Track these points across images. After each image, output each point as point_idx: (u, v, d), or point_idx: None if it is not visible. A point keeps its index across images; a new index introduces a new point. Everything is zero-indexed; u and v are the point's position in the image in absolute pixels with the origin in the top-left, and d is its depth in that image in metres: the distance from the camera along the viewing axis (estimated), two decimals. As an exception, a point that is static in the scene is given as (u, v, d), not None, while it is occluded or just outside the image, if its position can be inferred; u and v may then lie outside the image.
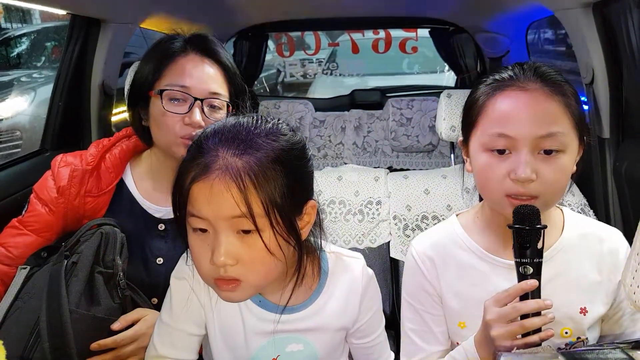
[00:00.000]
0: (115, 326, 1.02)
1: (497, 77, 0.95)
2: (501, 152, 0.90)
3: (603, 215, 1.50)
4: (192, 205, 0.76)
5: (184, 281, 0.92)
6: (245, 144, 0.76)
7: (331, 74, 5.16)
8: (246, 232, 0.76)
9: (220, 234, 0.75)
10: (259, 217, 0.74)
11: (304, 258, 0.86)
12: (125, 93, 1.42)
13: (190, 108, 1.11)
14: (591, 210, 1.47)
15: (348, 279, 0.95)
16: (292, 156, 0.80)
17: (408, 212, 1.52)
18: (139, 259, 1.15)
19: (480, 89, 0.97)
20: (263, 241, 0.76)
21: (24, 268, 1.05)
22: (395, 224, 1.52)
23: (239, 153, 0.75)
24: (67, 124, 1.72)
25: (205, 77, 1.13)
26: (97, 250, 1.03)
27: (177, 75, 1.12)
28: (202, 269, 0.79)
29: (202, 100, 1.12)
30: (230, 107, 1.17)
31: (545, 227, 0.84)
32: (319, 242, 0.93)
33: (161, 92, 1.11)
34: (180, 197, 0.78)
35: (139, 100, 1.15)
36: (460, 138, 1.03)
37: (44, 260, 1.06)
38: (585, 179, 1.54)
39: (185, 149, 1.10)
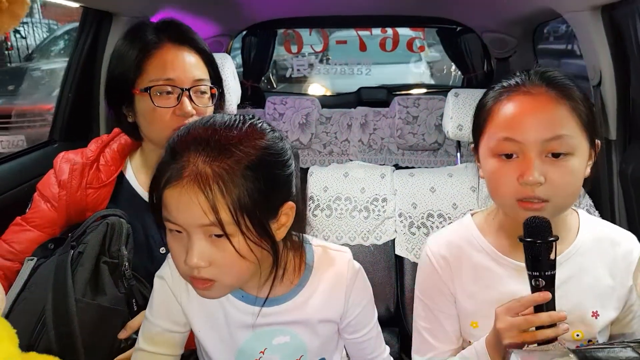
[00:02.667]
0: (122, 335, 1.03)
1: (504, 83, 0.96)
2: (509, 156, 0.91)
3: (609, 216, 1.51)
4: (166, 210, 0.77)
5: (163, 280, 0.94)
6: (217, 150, 0.75)
7: (327, 62, 5.34)
8: (218, 235, 0.76)
9: (193, 237, 0.76)
10: (228, 225, 0.74)
11: (280, 257, 0.85)
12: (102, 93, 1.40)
13: (179, 99, 1.12)
14: (597, 212, 1.48)
15: (333, 272, 0.95)
16: (267, 161, 0.78)
17: (414, 210, 1.53)
18: (144, 249, 1.16)
19: (488, 95, 0.98)
20: (233, 246, 0.76)
21: (31, 259, 1.06)
22: (401, 222, 1.53)
23: (209, 160, 0.74)
24: (76, 116, 1.73)
25: (187, 65, 1.14)
26: (103, 241, 1.04)
27: (159, 68, 1.12)
28: (179, 267, 0.81)
29: (189, 90, 1.13)
30: (214, 90, 1.19)
31: (557, 238, 0.84)
32: (302, 237, 0.93)
33: (148, 89, 1.11)
34: (155, 200, 0.79)
35: (123, 99, 1.15)
36: (472, 145, 1.04)
37: (51, 252, 1.07)
38: (591, 181, 1.55)
39: None
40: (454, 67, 4.21)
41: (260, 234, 0.78)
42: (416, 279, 1.10)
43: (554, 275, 0.84)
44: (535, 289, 0.84)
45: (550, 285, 0.83)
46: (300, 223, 0.89)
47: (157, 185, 0.77)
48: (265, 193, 0.77)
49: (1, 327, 0.63)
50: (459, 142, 1.96)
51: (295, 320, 0.92)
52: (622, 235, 1.03)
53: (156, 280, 0.95)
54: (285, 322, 0.92)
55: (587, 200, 1.49)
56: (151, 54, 1.12)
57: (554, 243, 0.83)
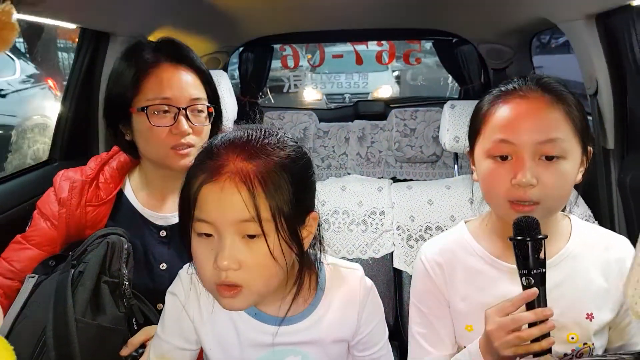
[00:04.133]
0: (124, 352, 1.03)
1: (501, 88, 0.99)
2: (503, 158, 0.93)
3: (608, 226, 1.50)
4: (200, 209, 0.77)
5: (175, 297, 0.93)
6: (255, 150, 0.78)
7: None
8: (251, 237, 0.77)
9: (226, 238, 0.76)
10: (266, 222, 0.76)
11: (304, 268, 0.87)
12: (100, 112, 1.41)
13: (176, 118, 1.12)
14: (596, 222, 1.47)
15: (345, 291, 0.95)
16: (299, 165, 0.82)
17: (412, 223, 1.53)
18: (143, 265, 1.16)
19: (484, 100, 1.01)
20: (268, 245, 0.77)
21: (32, 277, 1.06)
22: (399, 235, 1.52)
23: (248, 158, 0.77)
24: (76, 135, 1.74)
25: (183, 84, 1.15)
26: (103, 260, 1.04)
27: (156, 87, 1.13)
28: (205, 273, 0.80)
29: (185, 109, 1.14)
30: (211, 109, 1.20)
31: (546, 237, 0.85)
32: (318, 256, 0.93)
33: (145, 108, 1.12)
34: (186, 203, 0.79)
35: (120, 117, 1.16)
36: (467, 149, 1.06)
37: (52, 269, 1.07)
38: (589, 190, 1.54)
39: (177, 159, 1.12)
40: (450, 78, 4.23)
41: (292, 236, 0.79)
42: (411, 285, 1.11)
43: (544, 273, 0.85)
44: (526, 287, 0.85)
45: (540, 284, 0.84)
46: (315, 240, 0.90)
47: (190, 187, 0.78)
48: (297, 196, 0.80)
49: (2, 350, 0.62)
50: (456, 154, 1.96)
51: (307, 341, 0.92)
52: (614, 239, 1.05)
53: (168, 297, 0.95)
54: (298, 342, 0.92)
55: (586, 210, 1.48)
56: (148, 73, 1.13)
57: (543, 241, 0.85)
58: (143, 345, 1.05)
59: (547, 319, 0.83)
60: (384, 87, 6.93)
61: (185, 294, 0.92)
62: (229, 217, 0.75)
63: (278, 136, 0.83)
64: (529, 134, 0.90)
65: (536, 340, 0.83)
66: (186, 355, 0.95)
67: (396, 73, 8.09)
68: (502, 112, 0.95)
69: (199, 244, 0.80)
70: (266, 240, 0.76)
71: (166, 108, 1.13)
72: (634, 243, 1.02)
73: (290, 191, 0.78)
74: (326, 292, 0.94)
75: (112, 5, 1.54)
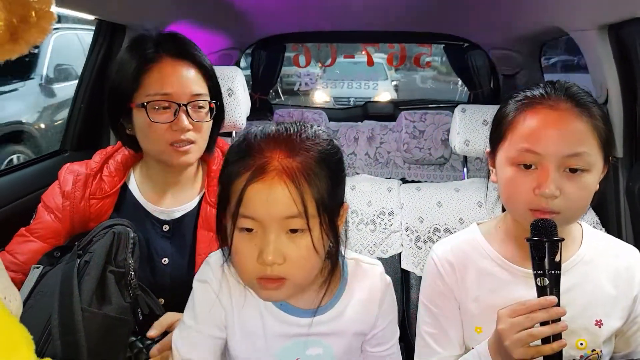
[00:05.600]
0: (151, 333, 1.02)
1: (528, 93, 0.98)
2: (527, 166, 0.93)
3: (615, 234, 1.50)
4: (246, 206, 0.77)
5: (207, 284, 0.92)
6: (295, 146, 0.79)
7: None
8: (294, 231, 0.78)
9: (270, 233, 0.77)
10: (311, 217, 0.77)
11: (339, 258, 0.90)
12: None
13: (176, 114, 1.11)
14: (603, 229, 1.47)
15: (367, 285, 0.96)
16: (335, 159, 0.84)
17: (420, 224, 1.53)
18: (145, 259, 1.16)
19: (510, 104, 1.00)
20: (312, 239, 0.79)
21: (37, 267, 1.06)
22: (407, 236, 1.53)
23: (292, 154, 0.78)
24: (88, 126, 1.76)
25: (184, 80, 1.13)
26: (109, 250, 1.04)
27: (157, 83, 1.11)
28: (247, 267, 0.81)
29: (186, 105, 1.12)
30: (212, 104, 1.19)
31: (563, 239, 0.86)
32: (343, 248, 0.94)
33: (144, 104, 1.10)
34: (226, 200, 0.80)
35: (121, 111, 1.15)
36: (488, 149, 1.06)
37: (57, 260, 1.07)
38: (597, 198, 1.55)
39: (177, 156, 1.12)
40: (460, 82, 4.23)
41: (332, 228, 0.81)
42: (421, 284, 1.11)
43: (559, 275, 0.85)
44: (540, 288, 0.85)
45: (554, 285, 0.85)
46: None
47: (232, 183, 0.79)
48: (335, 189, 0.82)
49: (18, 333, 0.63)
50: (465, 157, 1.97)
51: (329, 332, 0.93)
52: (624, 247, 1.05)
53: (198, 285, 0.94)
54: (320, 333, 0.93)
55: (594, 217, 1.49)
56: (149, 68, 1.12)
57: (559, 244, 0.85)
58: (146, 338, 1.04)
59: (560, 319, 0.83)
60: (383, 94, 7.48)
61: (217, 282, 0.92)
62: (275, 214, 0.76)
63: (313, 130, 0.84)
64: (555, 146, 0.90)
65: (547, 341, 0.83)
66: (217, 344, 0.94)
67: (395, 83, 9.15)
68: (530, 121, 0.94)
69: (242, 239, 0.80)
70: (311, 235, 0.78)
71: (166, 104, 1.11)
72: (641, 251, 1.05)
73: (329, 184, 0.80)
74: (348, 285, 0.95)
75: (130, -2, 1.56)
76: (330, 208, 0.80)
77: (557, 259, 0.85)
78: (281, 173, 0.76)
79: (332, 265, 0.89)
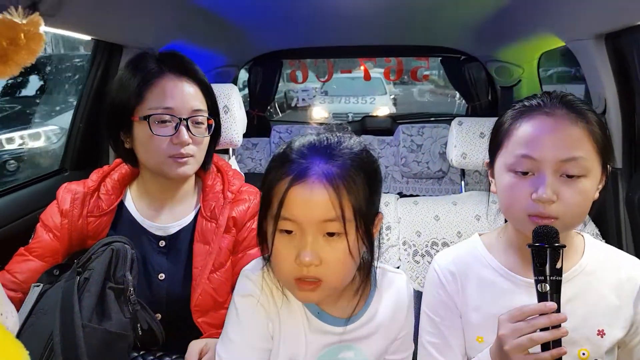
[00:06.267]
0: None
1: (525, 103, 1.00)
2: (525, 173, 0.94)
3: (615, 245, 1.48)
4: (287, 208, 0.81)
5: (250, 297, 0.94)
6: (335, 153, 0.83)
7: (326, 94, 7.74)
8: (331, 234, 0.82)
9: (308, 235, 0.81)
10: (348, 221, 0.81)
11: (374, 264, 0.94)
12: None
13: (177, 128, 1.14)
14: (603, 240, 1.46)
15: (394, 292, 1.00)
16: (372, 169, 0.88)
17: (418, 238, 1.53)
18: (142, 275, 1.17)
19: (507, 114, 1.02)
20: (348, 243, 0.82)
21: (37, 286, 1.07)
22: (405, 250, 1.52)
23: (331, 160, 0.82)
24: (87, 146, 1.77)
25: (185, 96, 1.17)
26: (108, 266, 1.05)
27: (159, 97, 1.14)
28: (285, 267, 0.84)
29: (186, 119, 1.15)
30: (211, 121, 1.21)
31: (564, 246, 0.86)
32: (376, 256, 0.96)
33: (147, 117, 1.13)
34: (268, 202, 0.85)
35: (122, 125, 1.17)
36: (487, 160, 1.08)
37: (56, 278, 1.08)
38: (597, 209, 1.54)
39: (175, 167, 1.14)
40: (458, 95, 4.25)
41: (367, 235, 0.85)
42: (423, 294, 1.11)
43: (560, 282, 0.85)
44: (540, 294, 0.85)
45: (555, 291, 0.85)
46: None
47: (273, 187, 0.83)
48: (372, 197, 0.86)
49: (15, 349, 0.63)
50: (463, 171, 1.96)
51: (361, 337, 0.96)
52: (626, 258, 1.05)
53: (240, 300, 0.95)
54: (353, 338, 0.96)
55: (594, 229, 1.48)
56: (152, 83, 1.15)
57: (561, 251, 0.86)
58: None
59: (560, 325, 0.83)
60: (382, 108, 7.62)
61: (261, 293, 0.94)
62: (314, 217, 0.80)
63: (352, 139, 0.88)
64: (551, 151, 0.91)
65: (547, 348, 0.83)
66: (265, 356, 0.95)
67: (393, 97, 9.45)
68: (526, 127, 0.96)
69: (281, 240, 0.84)
70: (347, 239, 0.82)
71: (168, 118, 1.14)
72: (642, 262, 1.05)
73: (366, 191, 0.84)
74: (377, 293, 0.99)
75: (126, 18, 1.58)
76: (366, 214, 0.84)
77: (558, 265, 0.85)
78: (321, 177, 0.80)
79: (366, 273, 0.94)
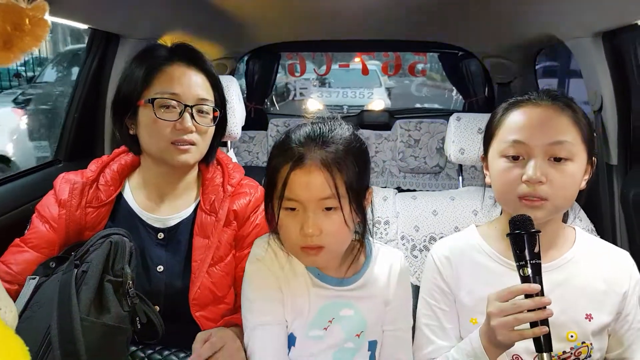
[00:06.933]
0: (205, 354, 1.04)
1: (517, 97, 1.10)
2: (515, 158, 1.03)
3: (610, 240, 1.49)
4: (290, 189, 0.97)
5: (259, 262, 1.10)
6: (328, 140, 0.98)
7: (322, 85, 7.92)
8: (328, 209, 0.97)
9: (309, 211, 0.97)
10: (342, 197, 0.96)
11: (367, 232, 1.09)
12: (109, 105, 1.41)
13: (181, 114, 1.15)
14: (598, 236, 1.47)
15: (389, 262, 1.13)
16: (361, 150, 1.03)
17: (416, 233, 1.53)
18: (140, 267, 1.16)
19: (500, 107, 1.12)
20: (344, 215, 0.97)
21: (33, 278, 1.06)
22: (403, 244, 1.52)
23: (325, 147, 0.97)
24: (82, 136, 1.75)
25: (193, 84, 1.18)
26: (106, 259, 1.04)
27: (167, 83, 1.15)
28: (291, 238, 1.00)
29: (191, 107, 1.16)
30: (217, 112, 1.22)
31: (539, 231, 0.92)
32: (371, 227, 1.11)
33: (152, 100, 1.14)
34: (273, 185, 0.99)
35: (127, 110, 1.18)
36: (482, 154, 1.16)
37: (53, 270, 1.08)
38: (592, 205, 1.55)
39: (177, 153, 1.15)
40: (455, 90, 4.26)
41: (359, 207, 1.01)
42: (421, 280, 1.19)
43: (540, 264, 0.91)
44: (523, 278, 0.91)
45: (536, 273, 0.91)
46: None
47: (277, 172, 0.98)
48: (361, 174, 1.01)
49: (15, 344, 0.62)
50: (460, 166, 1.97)
51: (358, 297, 1.09)
52: (615, 249, 1.14)
53: (251, 267, 1.11)
54: (351, 297, 1.09)
55: (589, 225, 1.48)
56: (160, 69, 1.16)
57: (537, 236, 0.92)
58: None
59: (545, 307, 0.88)
60: (377, 101, 7.75)
61: (268, 259, 1.09)
62: (313, 196, 0.96)
63: (342, 126, 1.03)
64: (540, 135, 1.00)
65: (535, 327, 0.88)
66: (279, 307, 1.07)
67: (388, 89, 9.61)
68: (516, 116, 1.06)
69: (287, 216, 1.00)
70: (342, 212, 0.97)
71: (173, 103, 1.14)
72: (635, 258, 1.11)
73: (357, 171, 0.99)
74: (373, 261, 1.12)
75: (123, 8, 1.56)
76: (357, 189, 0.99)
77: (536, 249, 0.91)
78: (317, 162, 0.96)
79: (360, 240, 1.09)
